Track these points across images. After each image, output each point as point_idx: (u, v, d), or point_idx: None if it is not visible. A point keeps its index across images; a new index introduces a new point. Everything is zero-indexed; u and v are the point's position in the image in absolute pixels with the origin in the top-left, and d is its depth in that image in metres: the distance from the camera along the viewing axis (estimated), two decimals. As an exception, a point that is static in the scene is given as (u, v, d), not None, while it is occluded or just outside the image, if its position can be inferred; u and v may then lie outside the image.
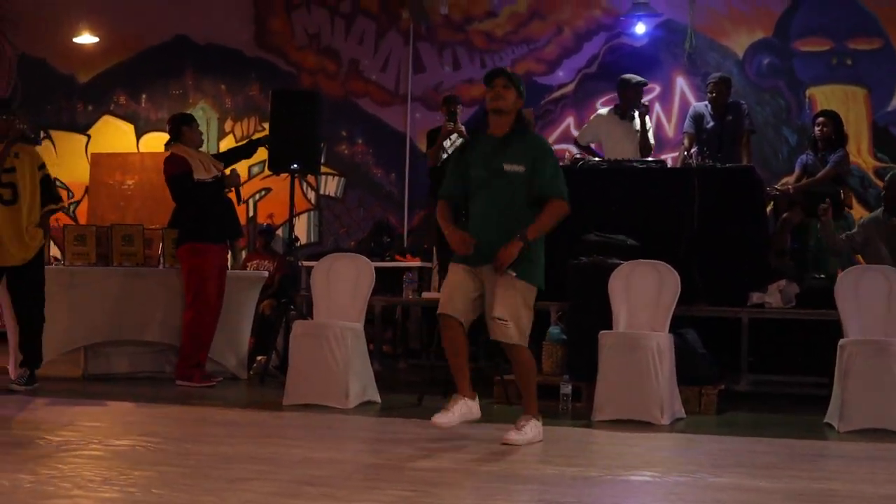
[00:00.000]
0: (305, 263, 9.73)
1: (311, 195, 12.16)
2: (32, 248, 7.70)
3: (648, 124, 9.56)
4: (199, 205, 8.15)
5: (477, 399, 5.72)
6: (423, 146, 10.76)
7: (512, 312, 5.58)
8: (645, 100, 9.83)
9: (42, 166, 7.86)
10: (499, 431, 5.98)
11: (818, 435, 6.32)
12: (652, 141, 9.60)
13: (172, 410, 6.85)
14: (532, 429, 5.66)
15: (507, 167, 5.66)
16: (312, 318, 7.54)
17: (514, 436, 5.61)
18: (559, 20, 11.54)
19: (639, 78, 9.55)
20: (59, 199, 8.22)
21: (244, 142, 10.40)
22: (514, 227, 5.59)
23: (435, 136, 9.79)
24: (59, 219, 10.79)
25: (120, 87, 12.88)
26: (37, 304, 7.74)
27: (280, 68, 12.32)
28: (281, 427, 6.32)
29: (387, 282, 9.67)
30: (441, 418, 5.53)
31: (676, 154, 10.16)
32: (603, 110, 9.78)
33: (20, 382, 7.57)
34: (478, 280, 5.69)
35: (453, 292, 5.67)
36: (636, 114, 9.47)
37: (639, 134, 9.40)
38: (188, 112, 10.23)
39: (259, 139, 9.33)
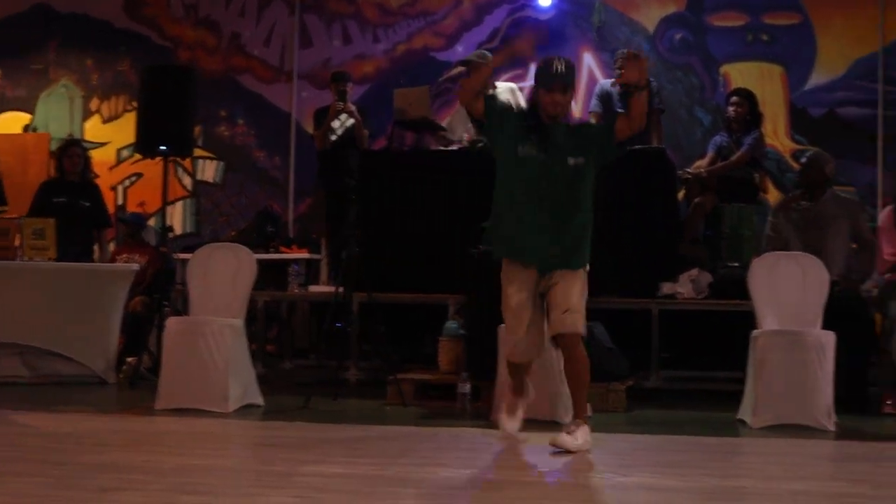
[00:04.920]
0: (181, 256, 9.66)
1: (188, 181, 12.06)
2: None
3: (521, 102, 9.63)
4: None
5: None
6: (309, 127, 10.76)
7: (579, 303, 5.67)
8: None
9: None
10: (392, 433, 6.10)
11: (731, 432, 6.50)
12: None
13: (32, 417, 6.74)
14: (583, 434, 5.59)
15: (571, 161, 5.68)
16: (188, 315, 7.51)
17: (567, 440, 5.52)
18: (459, -10, 11.62)
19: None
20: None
21: None
22: (578, 231, 5.75)
23: (323, 117, 9.82)
24: None
25: (-29, 62, 12.63)
26: None
27: (153, 42, 12.19)
28: (154, 433, 6.29)
29: (271, 275, 9.63)
30: (512, 425, 5.80)
31: (583, 136, 10.28)
32: None
33: None
34: (538, 287, 5.74)
35: (527, 331, 5.73)
36: (497, 91, 9.49)
37: None
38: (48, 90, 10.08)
39: None
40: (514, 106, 5.84)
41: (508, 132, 5.72)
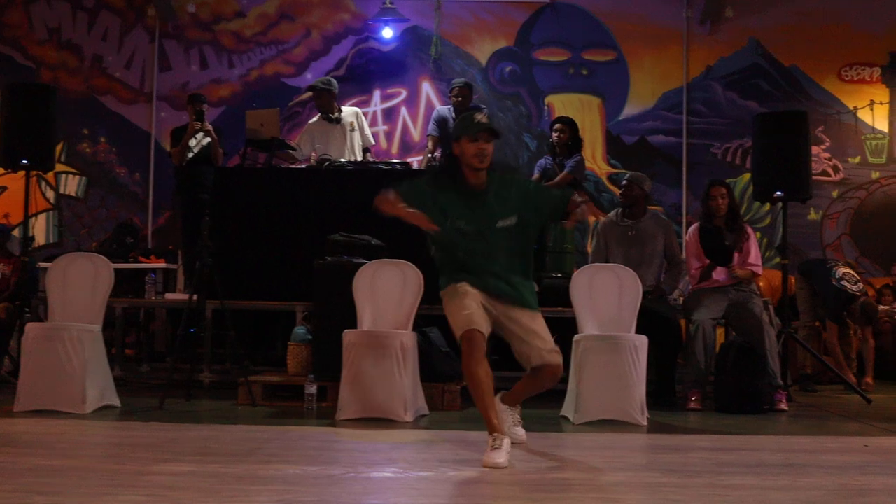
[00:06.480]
0: (43, 265, 9.24)
1: (51, 194, 11.58)
2: None
3: (364, 125, 9.53)
4: None
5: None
6: (168, 145, 10.44)
7: (552, 341, 5.32)
8: (392, 103, 9.84)
9: None
10: (242, 432, 5.87)
11: (555, 427, 6.45)
12: (371, 140, 9.59)
13: None
14: None
15: (500, 223, 5.26)
16: (48, 321, 7.14)
17: (523, 433, 5.70)
18: (308, 22, 11.48)
19: (320, 85, 9.38)
20: None
21: None
22: (521, 264, 5.34)
23: (180, 135, 9.55)
24: None
25: None
26: None
27: (18, 62, 11.71)
28: (10, 434, 5.91)
29: (130, 284, 9.34)
30: (498, 457, 4.95)
31: (422, 157, 10.24)
32: (314, 118, 9.65)
33: None
34: (490, 314, 5.26)
35: (476, 311, 5.14)
36: (342, 115, 9.38)
37: (351, 134, 9.33)
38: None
39: None
40: (424, 187, 5.29)
41: (436, 210, 5.22)
